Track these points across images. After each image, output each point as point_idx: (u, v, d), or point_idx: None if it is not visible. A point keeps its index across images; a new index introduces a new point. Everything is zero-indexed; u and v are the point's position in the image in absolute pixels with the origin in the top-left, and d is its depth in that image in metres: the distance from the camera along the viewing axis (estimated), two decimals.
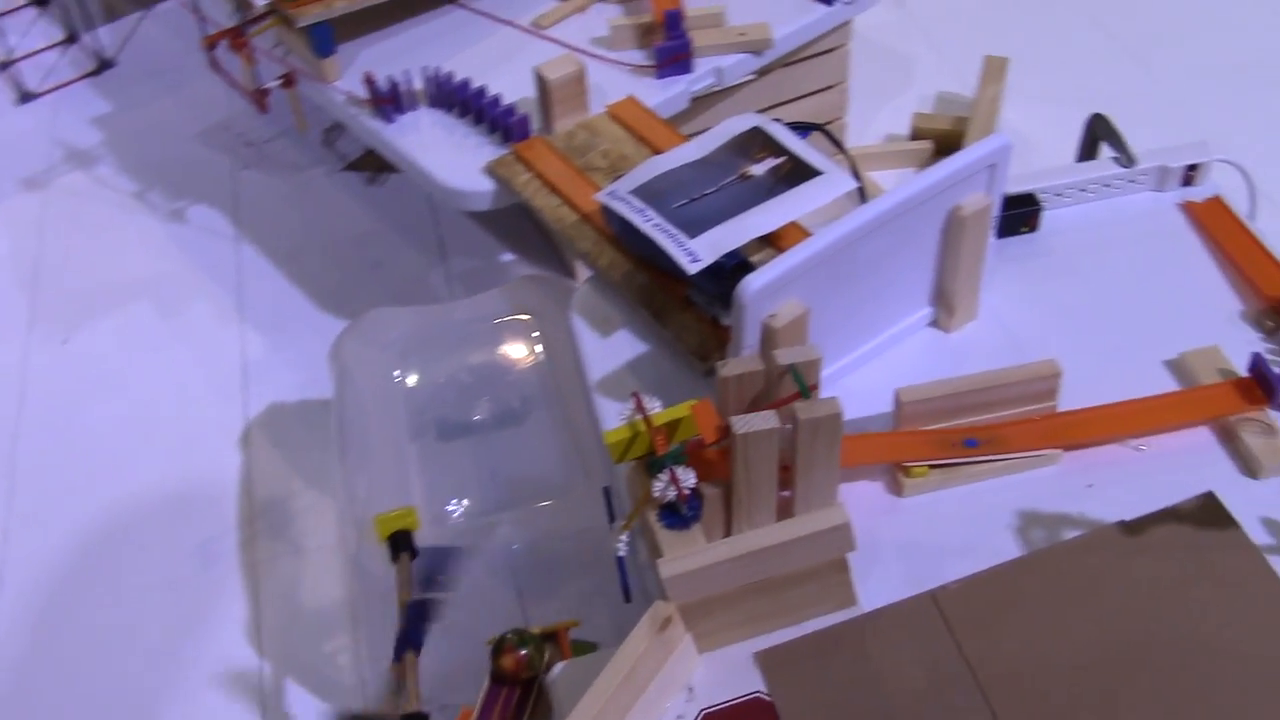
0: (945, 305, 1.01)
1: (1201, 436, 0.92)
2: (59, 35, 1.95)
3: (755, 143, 1.05)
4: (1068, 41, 1.80)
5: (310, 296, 1.51)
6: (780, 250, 1.02)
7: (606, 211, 1.05)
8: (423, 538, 1.00)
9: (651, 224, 0.98)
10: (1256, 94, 1.70)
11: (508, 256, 1.53)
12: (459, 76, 1.27)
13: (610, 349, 1.03)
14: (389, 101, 1.27)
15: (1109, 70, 1.75)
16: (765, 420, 0.80)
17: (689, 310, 1.02)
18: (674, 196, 1.01)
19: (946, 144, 1.56)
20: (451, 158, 1.23)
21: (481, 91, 1.25)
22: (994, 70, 1.60)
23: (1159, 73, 1.74)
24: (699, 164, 1.04)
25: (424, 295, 1.50)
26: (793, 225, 1.03)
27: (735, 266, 0.96)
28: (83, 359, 1.46)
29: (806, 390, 0.82)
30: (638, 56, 1.32)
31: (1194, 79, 1.73)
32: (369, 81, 1.26)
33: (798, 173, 1.02)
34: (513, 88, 1.26)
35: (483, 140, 1.24)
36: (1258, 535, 0.84)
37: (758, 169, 1.03)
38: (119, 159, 1.72)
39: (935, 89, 1.71)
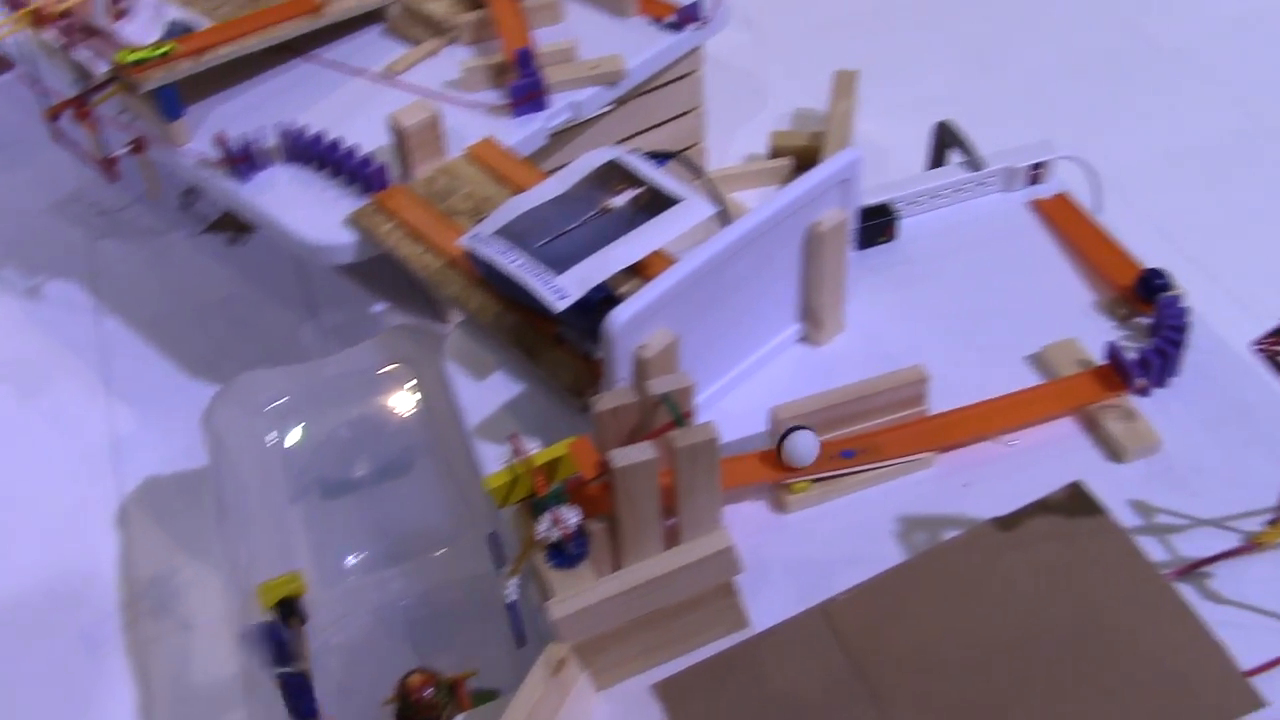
0: (813, 320, 1.02)
1: (1067, 427, 0.95)
2: None
3: (614, 175, 1.06)
4: (914, 50, 1.85)
5: (179, 365, 1.47)
6: (648, 279, 1.03)
7: (471, 255, 1.04)
8: (314, 599, 0.98)
9: (516, 264, 0.98)
10: (1096, 88, 1.76)
11: (380, 306, 1.51)
12: (313, 130, 1.26)
13: (486, 393, 1.02)
14: (243, 161, 1.24)
15: (956, 74, 1.80)
16: (642, 452, 0.80)
17: (562, 347, 1.02)
18: (537, 235, 1.01)
19: (805, 159, 1.59)
20: (311, 213, 1.21)
21: (336, 144, 1.23)
22: (844, 84, 1.63)
23: (1003, 73, 1.79)
24: (560, 200, 1.04)
25: (296, 353, 1.47)
26: (658, 253, 1.04)
27: (602, 300, 0.96)
28: None
29: (681, 418, 0.82)
30: (493, 97, 1.32)
31: (1037, 76, 1.78)
32: (220, 142, 1.24)
33: (657, 202, 1.02)
34: (369, 137, 1.25)
35: (342, 193, 1.23)
36: (1126, 518, 0.87)
37: (618, 201, 1.03)
38: None
39: (791, 106, 1.74)
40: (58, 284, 1.59)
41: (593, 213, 1.02)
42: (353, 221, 1.19)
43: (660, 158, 1.09)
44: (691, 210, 1.01)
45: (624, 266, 0.98)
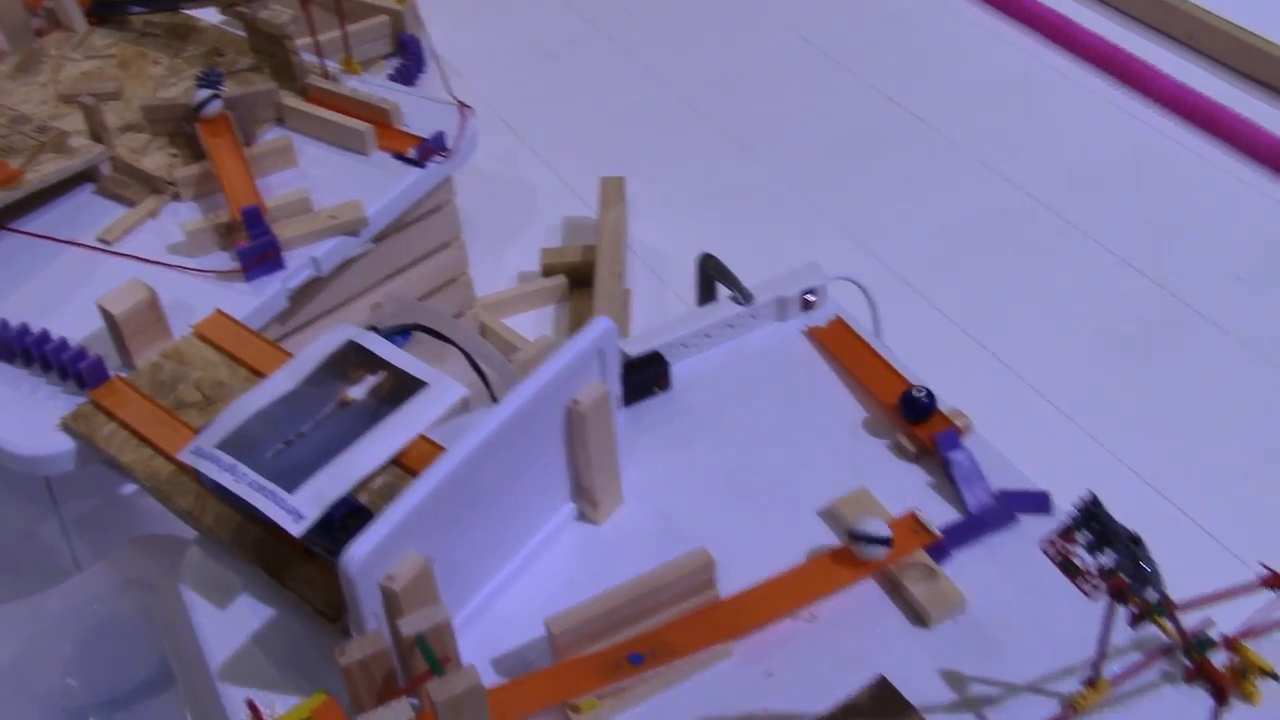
0: (588, 499, 0.93)
1: (869, 591, 0.88)
2: None
3: (351, 360, 0.95)
4: (681, 143, 1.80)
5: None
6: (410, 471, 0.93)
7: (195, 470, 0.92)
8: None
9: (245, 483, 0.87)
10: (869, 168, 1.73)
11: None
12: (16, 317, 1.12)
13: (231, 622, 0.90)
14: None
15: (726, 165, 1.75)
16: (397, 714, 0.70)
17: (313, 561, 0.91)
18: (268, 442, 0.89)
19: (578, 275, 1.51)
20: (18, 418, 1.07)
21: (44, 336, 1.09)
22: (612, 192, 1.56)
23: (774, 159, 1.75)
24: (292, 397, 0.93)
25: (37, 553, 1.31)
26: (422, 438, 0.94)
27: (347, 515, 0.86)
28: None
29: (438, 665, 0.72)
30: (223, 260, 1.20)
31: (809, 159, 1.75)
32: None
33: (401, 388, 0.92)
34: (86, 319, 1.12)
35: (55, 390, 1.09)
36: (938, 692, 0.81)
37: (357, 391, 0.93)
38: None
39: (561, 215, 1.67)
40: None
41: (329, 408, 0.92)
42: (66, 426, 1.05)
43: (401, 332, 1.00)
44: (440, 395, 0.92)
45: (366, 475, 0.87)
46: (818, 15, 2.02)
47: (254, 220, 1.17)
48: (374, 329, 0.99)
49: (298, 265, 1.19)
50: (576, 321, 1.47)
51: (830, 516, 0.92)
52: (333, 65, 1.39)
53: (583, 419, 0.87)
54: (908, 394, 0.96)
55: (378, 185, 1.26)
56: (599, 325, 0.87)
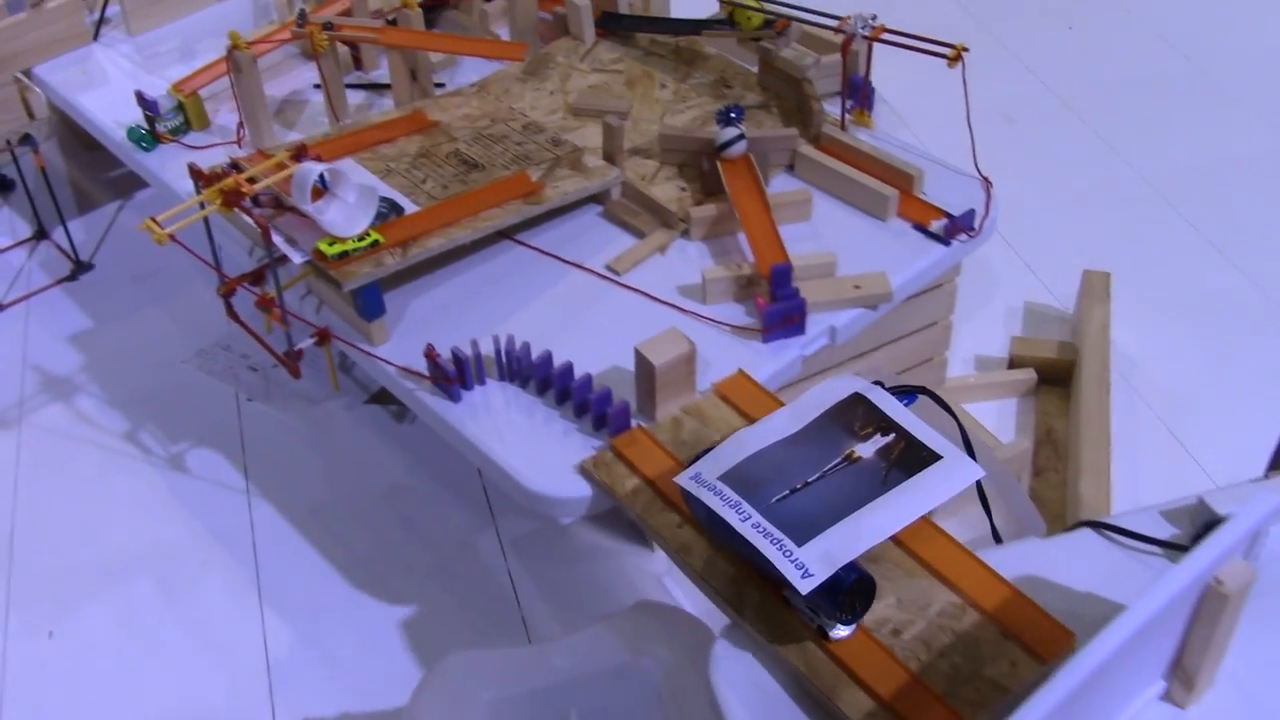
0: (1184, 679, 0.83)
1: None
2: (25, 231, 1.74)
3: (857, 414, 0.90)
4: (1157, 240, 1.65)
5: (338, 570, 1.30)
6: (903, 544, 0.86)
7: (688, 496, 0.87)
8: None
9: (749, 524, 0.82)
10: None
11: (569, 519, 1.33)
12: (525, 336, 1.09)
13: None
14: (454, 381, 1.07)
15: (1208, 276, 1.58)
16: None
17: (789, 610, 0.84)
18: (771, 485, 0.84)
19: (1051, 373, 1.40)
20: (534, 451, 1.04)
21: (569, 370, 1.06)
22: (1096, 288, 1.44)
23: (1263, 279, 1.58)
24: (795, 441, 0.88)
25: (472, 567, 1.29)
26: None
27: (857, 581, 0.79)
28: (71, 657, 1.23)
29: None
30: (735, 313, 1.14)
31: None
32: (431, 358, 1.07)
33: (912, 456, 0.86)
34: (589, 349, 1.09)
35: (569, 426, 1.06)
36: None
37: (865, 449, 0.87)
38: (102, 387, 1.51)
39: (1022, 299, 1.55)
40: (203, 454, 1.43)
41: (836, 461, 0.86)
42: (587, 472, 1.01)
43: (905, 394, 0.93)
44: (957, 472, 0.85)
45: (879, 541, 0.80)
46: None
47: (783, 281, 1.11)
48: (879, 384, 0.93)
49: (816, 333, 1.13)
50: (1044, 424, 1.36)
51: None
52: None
53: (1223, 601, 0.77)
54: None
55: (896, 256, 1.19)
56: (1263, 504, 0.76)
